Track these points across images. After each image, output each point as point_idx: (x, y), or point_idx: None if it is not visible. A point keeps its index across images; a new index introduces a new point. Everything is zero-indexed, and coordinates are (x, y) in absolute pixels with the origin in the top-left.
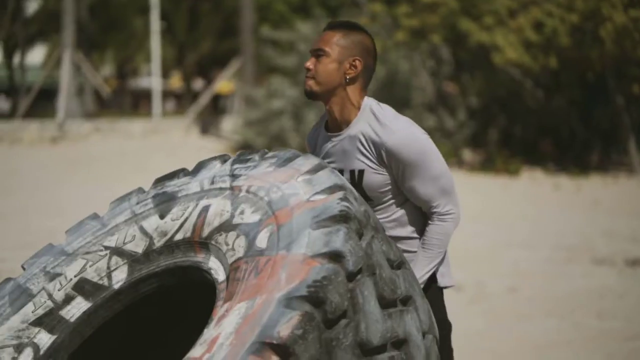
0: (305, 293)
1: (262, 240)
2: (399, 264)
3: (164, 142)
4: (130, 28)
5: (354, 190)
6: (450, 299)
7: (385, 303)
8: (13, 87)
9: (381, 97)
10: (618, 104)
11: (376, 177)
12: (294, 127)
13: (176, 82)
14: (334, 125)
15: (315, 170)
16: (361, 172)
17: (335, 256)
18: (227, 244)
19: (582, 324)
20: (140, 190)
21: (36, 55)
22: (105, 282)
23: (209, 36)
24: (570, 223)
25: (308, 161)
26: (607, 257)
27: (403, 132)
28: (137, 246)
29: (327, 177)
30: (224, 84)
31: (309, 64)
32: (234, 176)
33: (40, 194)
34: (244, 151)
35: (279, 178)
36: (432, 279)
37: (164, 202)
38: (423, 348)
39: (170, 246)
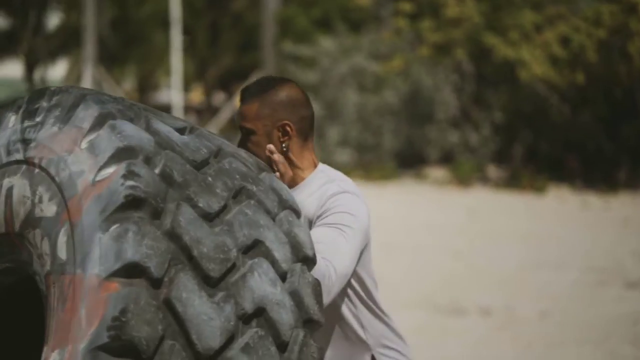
0: (107, 340)
1: (61, 249)
2: (235, 194)
3: None
4: (151, 42)
5: (149, 137)
6: (478, 325)
7: (217, 280)
8: None
9: (404, 113)
10: None
11: None
12: (315, 142)
13: (197, 96)
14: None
15: (96, 126)
16: None
17: (131, 271)
18: (37, 247)
19: (617, 352)
20: None
21: (58, 70)
22: None
23: (230, 50)
24: (600, 243)
25: (89, 112)
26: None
27: (344, 187)
28: None
29: (108, 139)
30: None
31: (239, 143)
32: (25, 142)
33: None
34: (35, 92)
35: (64, 145)
36: None
37: None
38: (287, 298)
39: None
